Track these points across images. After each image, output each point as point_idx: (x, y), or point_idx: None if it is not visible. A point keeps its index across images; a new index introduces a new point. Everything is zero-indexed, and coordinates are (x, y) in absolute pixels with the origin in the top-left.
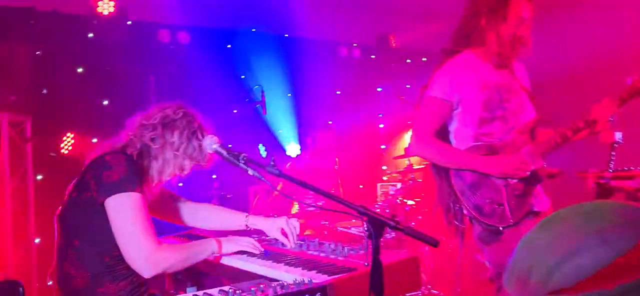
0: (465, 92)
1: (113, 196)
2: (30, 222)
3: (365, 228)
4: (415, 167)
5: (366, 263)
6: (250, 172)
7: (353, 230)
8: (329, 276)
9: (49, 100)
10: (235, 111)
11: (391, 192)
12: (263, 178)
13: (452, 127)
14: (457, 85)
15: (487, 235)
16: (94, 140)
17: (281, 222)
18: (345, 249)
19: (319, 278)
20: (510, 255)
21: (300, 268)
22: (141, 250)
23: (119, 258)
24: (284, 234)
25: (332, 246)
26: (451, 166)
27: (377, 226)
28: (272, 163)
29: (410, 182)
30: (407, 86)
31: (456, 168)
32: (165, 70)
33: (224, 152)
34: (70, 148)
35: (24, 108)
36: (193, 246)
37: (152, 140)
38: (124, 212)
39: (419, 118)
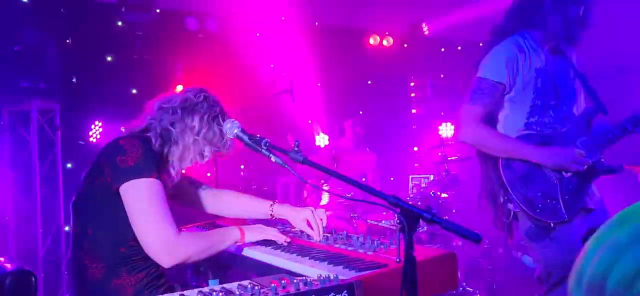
0: (520, 76)
1: (128, 182)
2: (59, 209)
3: (397, 221)
4: (450, 158)
5: (398, 259)
6: (273, 158)
7: (384, 223)
8: (356, 272)
9: (78, 89)
10: (263, 100)
11: (424, 185)
12: (286, 166)
13: (502, 114)
14: (512, 67)
15: (537, 231)
16: (123, 129)
17: (307, 212)
18: (375, 243)
19: (345, 274)
20: (561, 253)
21: (326, 262)
22: (159, 238)
23: (136, 248)
24: (310, 226)
25: (361, 239)
26: (501, 154)
27: (410, 218)
28: (296, 148)
29: (444, 174)
30: (441, 76)
31: (506, 158)
32: (193, 58)
33: (246, 137)
34: (98, 136)
35: (54, 97)
36: (215, 235)
37: (172, 124)
38: (140, 198)
39: (468, 102)
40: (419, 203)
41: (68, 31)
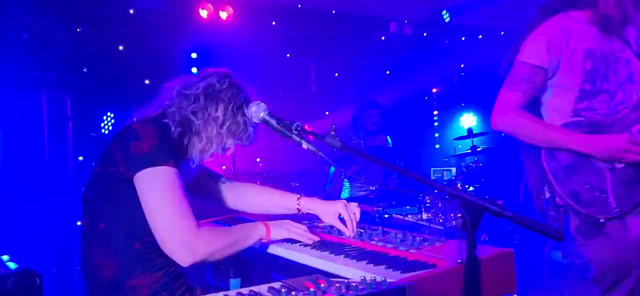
0: (565, 59)
1: (143, 170)
2: (70, 205)
3: (460, 216)
4: (479, 148)
5: (460, 260)
6: (305, 145)
7: (410, 218)
8: (403, 273)
9: (89, 78)
10: (280, 91)
11: (446, 178)
12: (320, 153)
13: (546, 98)
14: (555, 49)
15: (586, 228)
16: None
17: (339, 206)
18: (418, 240)
19: (391, 276)
20: (615, 252)
21: (365, 262)
22: (177, 233)
23: (152, 245)
24: (342, 221)
25: (400, 236)
26: (544, 144)
27: (474, 212)
28: (332, 133)
29: (473, 165)
30: (461, 66)
31: (550, 147)
32: (207, 47)
33: (274, 122)
34: (110, 128)
35: (64, 86)
36: (238, 231)
37: (194, 113)
38: (156, 188)
39: (506, 87)
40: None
41: (78, 19)
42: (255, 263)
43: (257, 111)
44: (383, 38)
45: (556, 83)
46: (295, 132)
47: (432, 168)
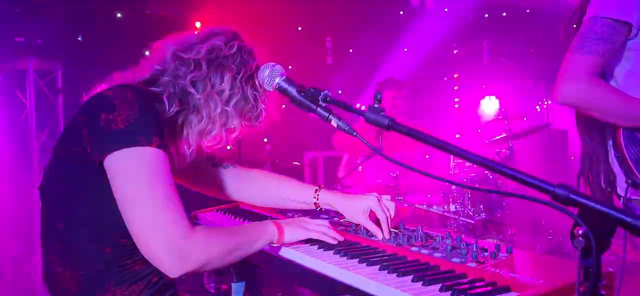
0: None
1: (117, 151)
2: None
3: (580, 232)
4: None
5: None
6: (335, 122)
7: (435, 209)
8: None
9: (83, 48)
10: (290, 67)
11: (468, 164)
12: (355, 133)
13: (620, 70)
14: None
15: None
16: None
17: (370, 201)
18: (474, 248)
19: None
20: None
21: (410, 279)
22: (163, 235)
23: (128, 248)
24: (372, 219)
25: (449, 241)
26: (624, 121)
27: (600, 226)
28: (376, 106)
29: (508, 151)
30: (483, 45)
31: (630, 126)
32: (213, 15)
33: (294, 90)
34: None
35: (55, 56)
36: (243, 232)
37: (193, 84)
38: (134, 176)
39: (577, 49)
40: (477, 186)
41: None
42: (264, 266)
43: (271, 76)
44: (402, 12)
45: (635, 46)
46: (323, 104)
47: (451, 156)
